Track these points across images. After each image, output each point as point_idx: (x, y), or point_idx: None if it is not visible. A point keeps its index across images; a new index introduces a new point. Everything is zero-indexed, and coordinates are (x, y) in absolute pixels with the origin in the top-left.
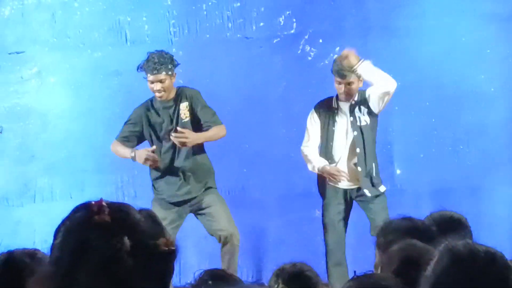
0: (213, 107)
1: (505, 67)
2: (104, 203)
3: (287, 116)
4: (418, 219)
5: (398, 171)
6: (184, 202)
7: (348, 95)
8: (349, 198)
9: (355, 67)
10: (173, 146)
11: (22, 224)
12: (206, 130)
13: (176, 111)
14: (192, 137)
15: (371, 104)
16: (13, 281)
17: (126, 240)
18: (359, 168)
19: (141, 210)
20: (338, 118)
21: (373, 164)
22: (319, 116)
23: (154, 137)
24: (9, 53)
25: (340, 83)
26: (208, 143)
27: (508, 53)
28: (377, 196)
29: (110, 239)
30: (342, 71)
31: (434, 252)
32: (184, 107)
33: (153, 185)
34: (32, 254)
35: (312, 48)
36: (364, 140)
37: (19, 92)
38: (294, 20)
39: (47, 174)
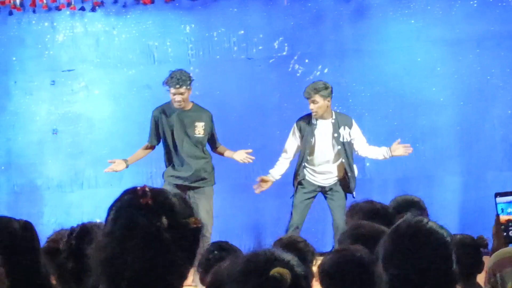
0: (221, 113)
1: (452, 81)
2: (147, 188)
3: (281, 120)
4: (378, 202)
5: (367, 164)
6: (185, 187)
7: (316, 112)
8: (318, 190)
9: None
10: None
11: (73, 207)
12: (217, 146)
13: (191, 123)
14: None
15: (352, 137)
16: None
17: (164, 219)
18: (349, 174)
19: (175, 194)
20: (316, 132)
21: (354, 171)
22: (300, 130)
23: (168, 134)
24: (63, 71)
25: (309, 103)
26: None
27: (454, 70)
28: (341, 199)
29: (152, 218)
30: (307, 93)
31: (379, 229)
32: (200, 126)
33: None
34: (99, 225)
35: (300, 67)
36: (346, 152)
37: (71, 101)
38: (286, 44)
39: (93, 166)
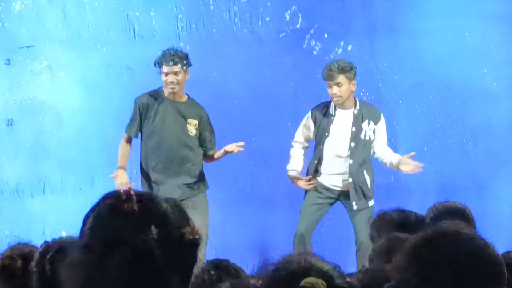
0: (221, 100)
1: (511, 67)
2: (132, 192)
3: (295, 115)
4: (411, 212)
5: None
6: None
7: (339, 96)
8: (337, 197)
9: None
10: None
11: (34, 216)
12: (205, 150)
13: (184, 120)
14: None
15: (375, 135)
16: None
17: (154, 229)
18: (350, 180)
19: (167, 200)
20: (332, 127)
21: (367, 177)
22: (314, 122)
23: (160, 133)
24: (20, 48)
25: (330, 86)
26: (220, 142)
27: None
28: (363, 209)
29: (138, 229)
30: (328, 73)
31: None
32: (193, 124)
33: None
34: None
35: (317, 43)
36: (360, 152)
37: (30, 86)
38: (300, 15)
39: (58, 166)
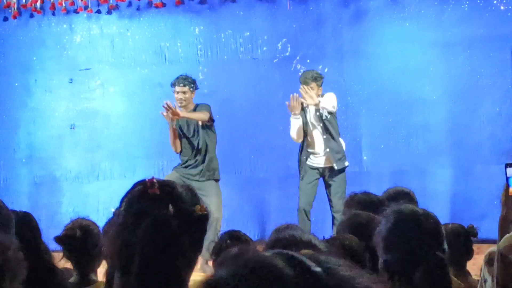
0: (228, 110)
1: (444, 81)
2: (155, 180)
3: (284, 117)
4: (374, 194)
5: (365, 157)
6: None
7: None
8: (321, 174)
9: (318, 104)
10: (193, 145)
11: (90, 197)
12: None
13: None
14: (180, 114)
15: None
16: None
17: (171, 207)
18: (327, 149)
19: (182, 185)
20: (307, 114)
21: (340, 142)
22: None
23: (181, 136)
24: (80, 70)
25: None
26: (227, 138)
27: (445, 70)
28: (340, 171)
29: (159, 207)
30: (305, 80)
31: (375, 218)
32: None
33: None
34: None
35: (302, 66)
36: (328, 129)
37: (88, 98)
38: (289, 45)
39: (108, 159)
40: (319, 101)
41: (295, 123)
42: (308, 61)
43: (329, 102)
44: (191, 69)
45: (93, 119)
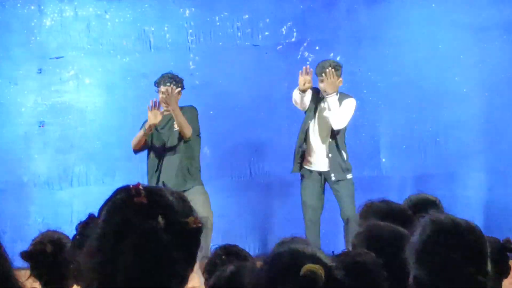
0: (224, 106)
1: (476, 71)
2: (141, 187)
3: (289, 113)
4: (395, 203)
5: (383, 160)
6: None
7: (324, 90)
8: (323, 180)
9: (328, 95)
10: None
11: (62, 206)
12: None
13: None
14: (173, 105)
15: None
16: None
17: (161, 219)
18: (330, 155)
19: (173, 192)
20: (321, 108)
21: (343, 153)
22: (312, 92)
23: (155, 137)
24: (50, 58)
25: (321, 81)
26: (222, 136)
27: (479, 58)
28: (342, 180)
29: (146, 219)
30: (322, 70)
31: (398, 231)
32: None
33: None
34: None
35: (310, 54)
36: (334, 132)
37: (59, 91)
38: (295, 30)
39: (84, 162)
40: (336, 94)
41: (300, 96)
42: (318, 48)
43: (343, 114)
44: (181, 57)
45: (65, 115)
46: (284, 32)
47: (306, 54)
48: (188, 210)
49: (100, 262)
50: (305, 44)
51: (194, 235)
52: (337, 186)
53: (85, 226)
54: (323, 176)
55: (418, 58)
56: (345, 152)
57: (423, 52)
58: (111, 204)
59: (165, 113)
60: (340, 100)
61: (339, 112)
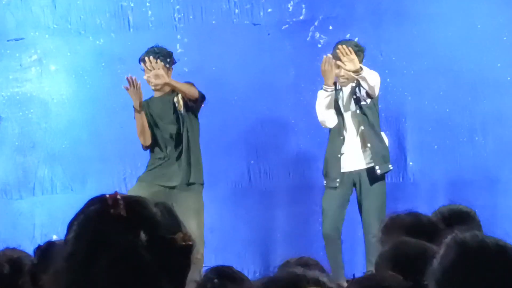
0: (220, 96)
1: None
2: (119, 196)
3: (296, 105)
4: (424, 215)
5: (410, 163)
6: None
7: (346, 79)
8: (352, 182)
9: (358, 74)
10: (172, 135)
11: (22, 218)
12: None
13: (173, 103)
14: (164, 78)
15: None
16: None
17: (143, 234)
18: (369, 144)
19: (157, 204)
20: (340, 96)
21: (381, 141)
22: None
23: (154, 126)
24: (8, 40)
25: (337, 67)
26: (216, 134)
27: None
28: (380, 178)
29: (125, 234)
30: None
31: (429, 248)
32: (178, 99)
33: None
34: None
35: (322, 35)
36: (367, 118)
37: (19, 80)
38: (303, 6)
39: (48, 165)
40: (361, 69)
41: (325, 98)
42: (331, 27)
43: (372, 77)
44: (166, 38)
45: (26, 108)
46: (290, 9)
47: (317, 35)
48: (176, 224)
49: (69, 286)
50: (316, 23)
51: (183, 255)
52: (367, 192)
53: (44, 252)
54: (354, 178)
55: (452, 39)
56: (383, 136)
57: (458, 32)
58: (83, 217)
59: (157, 94)
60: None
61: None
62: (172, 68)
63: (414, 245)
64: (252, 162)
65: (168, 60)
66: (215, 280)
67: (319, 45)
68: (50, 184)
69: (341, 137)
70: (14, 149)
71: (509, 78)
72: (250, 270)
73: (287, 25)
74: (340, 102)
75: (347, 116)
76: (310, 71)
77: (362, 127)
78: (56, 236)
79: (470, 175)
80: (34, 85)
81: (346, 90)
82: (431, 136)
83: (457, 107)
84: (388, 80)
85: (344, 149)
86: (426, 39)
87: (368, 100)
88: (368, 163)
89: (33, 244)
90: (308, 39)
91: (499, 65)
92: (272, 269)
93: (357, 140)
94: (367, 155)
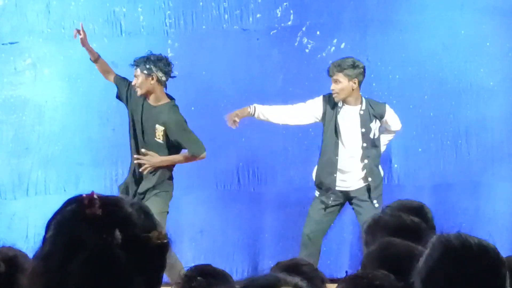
0: (210, 100)
1: (505, 62)
2: (95, 196)
3: None
4: (407, 215)
5: (395, 165)
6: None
7: (337, 94)
8: (344, 200)
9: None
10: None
11: (16, 218)
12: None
13: (154, 125)
14: (154, 161)
15: (387, 125)
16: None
17: (118, 233)
18: (370, 179)
19: (133, 204)
20: (340, 118)
21: (378, 178)
22: (325, 105)
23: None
24: (3, 44)
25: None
26: (205, 137)
27: (508, 47)
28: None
29: (101, 233)
30: (329, 70)
31: (415, 249)
32: (160, 129)
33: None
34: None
35: (309, 40)
36: (372, 151)
37: (13, 83)
38: (292, 11)
39: (42, 167)
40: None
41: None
42: (318, 33)
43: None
44: (157, 44)
45: (20, 111)
46: (279, 15)
47: (305, 40)
48: (151, 223)
49: (46, 285)
50: (303, 29)
51: (158, 254)
52: (360, 207)
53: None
54: (345, 197)
55: (436, 45)
56: (379, 174)
57: (442, 39)
58: (60, 217)
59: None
60: (374, 116)
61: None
62: (155, 76)
63: (400, 245)
64: (240, 164)
65: (148, 66)
66: (198, 278)
67: (307, 50)
68: (43, 185)
69: (336, 157)
70: (8, 151)
71: (492, 83)
72: (239, 271)
73: (275, 31)
74: (340, 125)
75: (348, 138)
76: (298, 76)
77: (366, 161)
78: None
79: (454, 178)
80: (28, 88)
81: (349, 113)
82: (416, 140)
83: (441, 112)
84: (374, 84)
85: (341, 167)
86: (411, 45)
87: (378, 134)
88: (362, 183)
89: (27, 244)
90: (296, 44)
91: (482, 70)
92: (261, 271)
93: (358, 167)
94: (363, 174)
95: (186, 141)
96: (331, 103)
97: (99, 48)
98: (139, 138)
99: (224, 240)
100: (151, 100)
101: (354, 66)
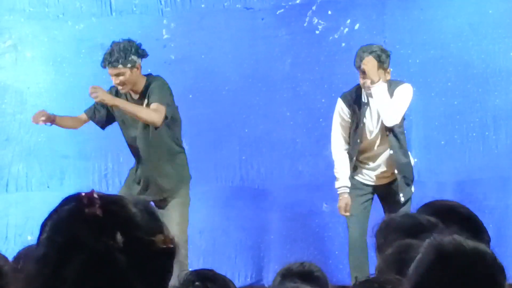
0: (210, 86)
1: None
2: (95, 195)
3: (293, 97)
4: (422, 215)
5: (415, 160)
6: None
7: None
8: (373, 192)
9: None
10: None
11: None
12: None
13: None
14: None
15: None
16: None
17: (119, 236)
18: (396, 171)
19: (137, 203)
20: (367, 115)
21: (408, 165)
22: (349, 108)
23: (123, 126)
24: None
25: (360, 75)
26: (205, 128)
27: None
28: (407, 201)
29: (101, 235)
30: (358, 58)
31: None
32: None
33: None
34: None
35: (320, 21)
36: (398, 141)
37: None
38: None
39: (23, 160)
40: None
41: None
42: (330, 12)
43: (395, 106)
44: (151, 24)
45: (0, 98)
46: None
47: (315, 20)
48: (157, 226)
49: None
50: (313, 8)
51: (163, 259)
52: (388, 203)
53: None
54: (373, 190)
55: (461, 26)
56: (410, 156)
57: (468, 18)
58: (56, 216)
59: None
60: (391, 89)
61: (391, 104)
62: (139, 64)
63: (418, 248)
64: (244, 158)
65: (131, 58)
66: (196, 283)
67: (317, 32)
68: (25, 180)
69: (365, 148)
70: None
71: None
72: (241, 276)
73: (282, 10)
74: (366, 119)
75: (372, 132)
76: (308, 60)
77: (391, 151)
78: (31, 237)
79: (481, 173)
80: (9, 73)
81: (376, 91)
82: (438, 131)
83: (467, 100)
84: (391, 69)
85: (365, 163)
86: (433, 25)
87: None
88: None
89: (7, 246)
90: (305, 24)
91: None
92: (264, 274)
93: (382, 160)
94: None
95: (157, 92)
96: (353, 101)
97: (86, 29)
98: (139, 138)
99: (225, 242)
100: (133, 93)
101: (383, 53)
